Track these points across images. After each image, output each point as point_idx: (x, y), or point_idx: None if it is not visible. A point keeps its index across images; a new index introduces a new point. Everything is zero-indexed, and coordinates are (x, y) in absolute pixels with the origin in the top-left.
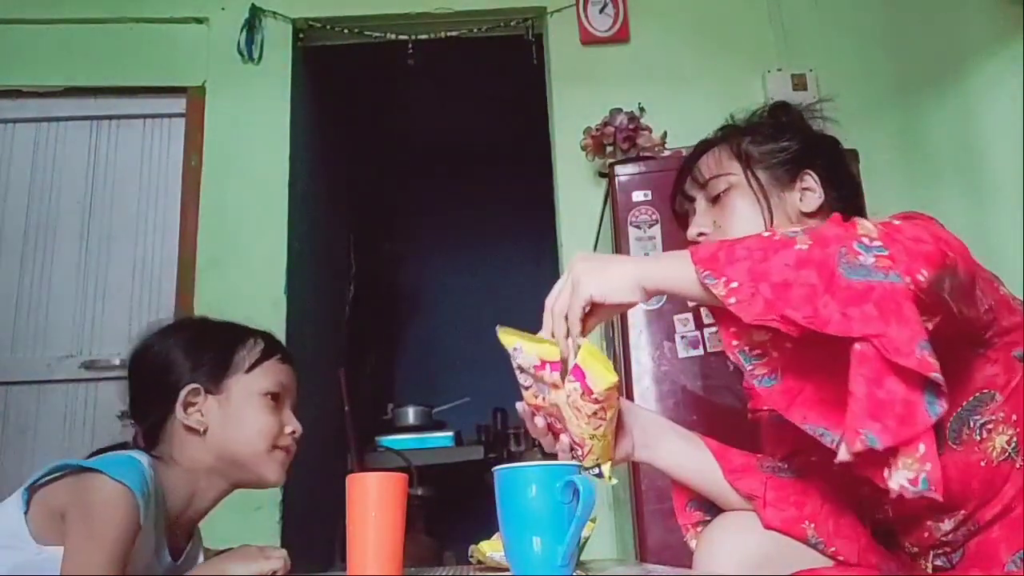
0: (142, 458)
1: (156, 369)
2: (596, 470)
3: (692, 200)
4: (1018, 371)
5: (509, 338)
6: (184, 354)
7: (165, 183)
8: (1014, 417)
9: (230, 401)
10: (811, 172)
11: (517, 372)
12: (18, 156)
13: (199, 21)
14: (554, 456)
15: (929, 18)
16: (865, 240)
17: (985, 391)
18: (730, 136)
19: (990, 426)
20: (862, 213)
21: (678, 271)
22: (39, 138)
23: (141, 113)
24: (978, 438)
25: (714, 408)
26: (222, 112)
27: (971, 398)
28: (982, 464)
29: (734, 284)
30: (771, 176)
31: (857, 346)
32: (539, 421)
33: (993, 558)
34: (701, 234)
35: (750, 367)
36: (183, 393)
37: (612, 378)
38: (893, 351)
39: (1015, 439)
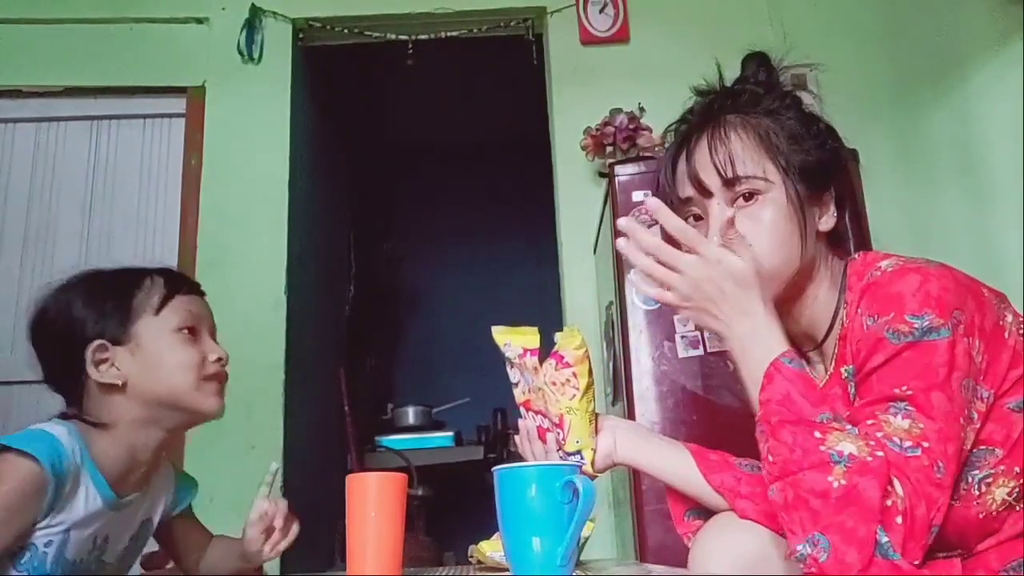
0: (58, 427)
1: (57, 332)
2: (578, 457)
3: (709, 195)
4: (1016, 423)
5: (501, 336)
6: (83, 309)
7: (165, 183)
8: (1016, 469)
9: (141, 347)
10: (831, 189)
11: (508, 368)
12: (18, 156)
13: (199, 21)
14: None
15: (929, 18)
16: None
17: (983, 447)
18: (752, 117)
19: (989, 480)
20: (848, 230)
21: (753, 381)
22: (39, 138)
23: (141, 113)
24: (977, 492)
25: (714, 408)
26: (222, 112)
27: (968, 455)
28: (980, 516)
29: (771, 458)
30: (803, 188)
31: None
32: (529, 423)
33: (986, 567)
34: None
35: None
36: (90, 351)
37: (578, 339)
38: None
39: (1017, 489)
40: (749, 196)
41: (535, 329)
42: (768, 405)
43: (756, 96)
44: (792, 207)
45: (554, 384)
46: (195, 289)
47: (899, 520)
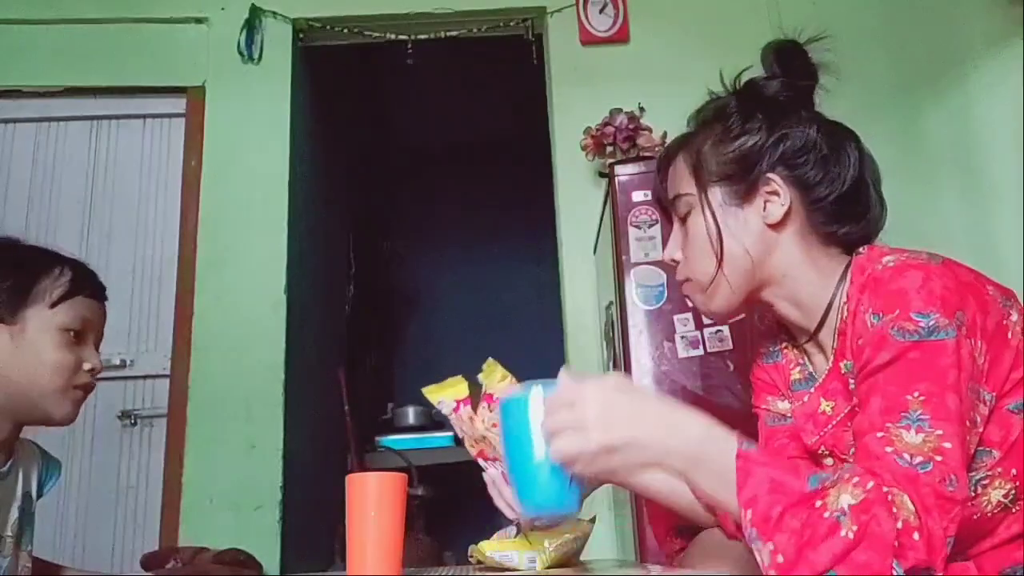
0: None
1: None
2: None
3: (668, 213)
4: (1015, 425)
5: (432, 395)
6: None
7: (165, 183)
8: (1013, 471)
9: (25, 334)
10: (774, 175)
11: (453, 425)
12: (18, 156)
13: (199, 21)
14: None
15: (929, 18)
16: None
17: (980, 448)
18: (697, 136)
19: (986, 481)
20: (863, 215)
21: (720, 486)
22: (39, 138)
23: (141, 113)
24: (972, 493)
25: (714, 408)
26: (222, 112)
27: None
28: (975, 517)
29: (780, 558)
30: (728, 191)
31: None
32: (492, 472)
33: (981, 572)
34: (674, 260)
35: None
36: None
37: (499, 371)
38: None
39: (1013, 491)
40: (686, 217)
41: (460, 378)
42: (756, 503)
43: (719, 104)
44: (708, 213)
45: (495, 427)
46: (97, 293)
47: (916, 537)
